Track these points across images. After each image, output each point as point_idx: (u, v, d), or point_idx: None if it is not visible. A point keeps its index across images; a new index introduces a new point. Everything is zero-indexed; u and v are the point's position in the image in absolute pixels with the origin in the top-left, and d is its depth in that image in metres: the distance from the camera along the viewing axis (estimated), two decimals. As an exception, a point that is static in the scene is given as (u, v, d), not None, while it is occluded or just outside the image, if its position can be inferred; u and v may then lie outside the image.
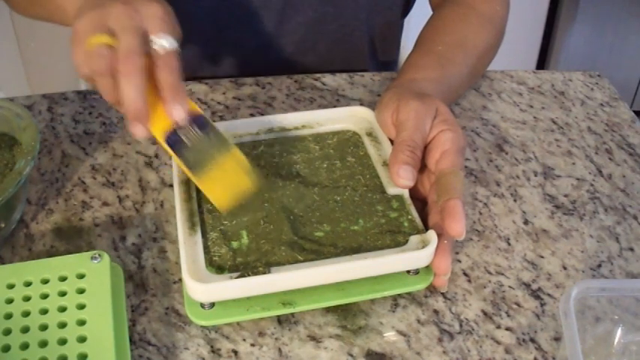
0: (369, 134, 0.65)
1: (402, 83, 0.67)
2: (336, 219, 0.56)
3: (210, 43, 0.85)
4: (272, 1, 0.81)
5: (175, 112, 0.52)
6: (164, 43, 0.53)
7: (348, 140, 0.64)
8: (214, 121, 0.73)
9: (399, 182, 0.57)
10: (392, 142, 0.62)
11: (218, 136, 0.54)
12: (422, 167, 0.59)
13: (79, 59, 0.54)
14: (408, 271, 0.56)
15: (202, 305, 0.53)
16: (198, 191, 0.58)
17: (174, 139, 0.53)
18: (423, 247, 0.53)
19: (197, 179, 0.53)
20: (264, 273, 0.51)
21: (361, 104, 0.67)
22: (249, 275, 0.51)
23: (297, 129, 0.65)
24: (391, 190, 0.59)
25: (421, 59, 0.71)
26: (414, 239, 0.54)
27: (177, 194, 0.58)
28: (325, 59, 0.87)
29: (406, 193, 0.58)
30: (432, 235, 0.54)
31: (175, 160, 0.55)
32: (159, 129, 0.53)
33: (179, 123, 0.52)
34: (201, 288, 0.50)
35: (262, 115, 0.74)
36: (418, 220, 0.56)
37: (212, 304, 0.53)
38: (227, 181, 0.54)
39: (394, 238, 0.55)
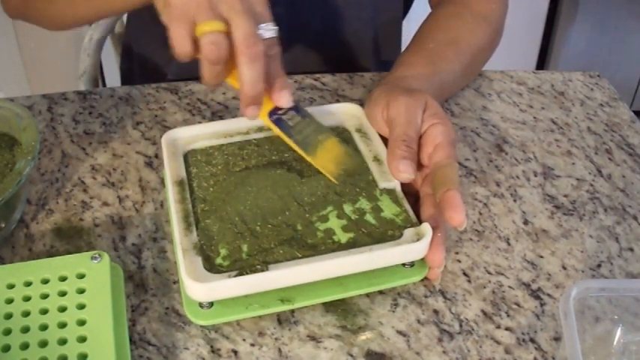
0: (359, 130, 0.65)
1: (392, 80, 0.67)
2: None
3: None
4: (277, 1, 0.81)
5: (283, 98, 0.57)
6: (271, 31, 0.55)
7: (338, 137, 0.65)
8: (213, 120, 0.73)
9: (400, 177, 0.57)
10: (382, 137, 0.62)
11: (317, 123, 0.61)
12: None
13: (182, 40, 0.53)
14: (404, 265, 0.56)
15: (201, 305, 0.53)
16: (192, 192, 0.58)
17: (276, 119, 0.58)
18: (418, 240, 0.54)
19: (308, 156, 0.59)
20: (262, 270, 0.51)
21: (361, 104, 0.67)
22: (247, 273, 0.51)
23: None
24: (383, 185, 0.59)
25: (412, 57, 0.71)
26: (408, 232, 0.55)
27: (172, 195, 0.58)
28: (329, 59, 0.87)
29: (398, 187, 0.59)
30: (426, 227, 0.54)
31: (282, 138, 0.59)
32: (263, 110, 0.58)
33: (285, 107, 0.57)
34: (200, 287, 0.50)
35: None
36: (412, 214, 0.57)
37: (211, 304, 0.53)
38: (334, 158, 0.60)
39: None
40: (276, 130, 0.59)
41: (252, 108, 0.55)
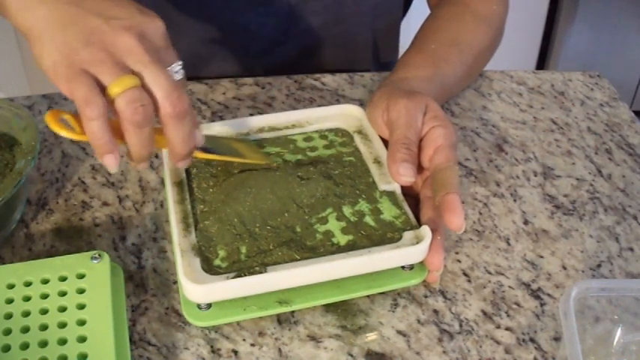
0: (359, 132, 0.65)
1: (393, 82, 0.67)
2: None
3: (213, 46, 0.85)
4: (277, 6, 0.81)
5: (199, 138, 0.53)
6: (180, 72, 0.50)
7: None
8: (213, 120, 0.73)
9: (400, 180, 0.57)
10: (384, 140, 0.62)
11: (217, 137, 0.62)
12: None
13: (94, 106, 0.45)
14: (403, 267, 0.56)
15: (199, 306, 0.53)
16: (191, 193, 0.58)
17: (203, 148, 0.57)
18: (417, 243, 0.53)
19: (244, 159, 0.60)
20: (261, 272, 0.51)
21: (361, 104, 0.67)
22: (245, 275, 0.51)
23: (288, 128, 0.65)
24: (383, 187, 0.59)
25: (413, 58, 0.71)
26: (407, 235, 0.54)
27: (171, 196, 0.58)
28: (328, 63, 0.87)
29: (398, 190, 0.59)
30: (425, 230, 0.54)
31: (215, 159, 0.60)
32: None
33: (199, 144, 0.54)
34: (198, 289, 0.50)
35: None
36: (411, 216, 0.56)
37: (209, 305, 0.53)
38: (250, 150, 0.62)
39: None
40: (211, 156, 0.59)
41: (185, 161, 0.53)
